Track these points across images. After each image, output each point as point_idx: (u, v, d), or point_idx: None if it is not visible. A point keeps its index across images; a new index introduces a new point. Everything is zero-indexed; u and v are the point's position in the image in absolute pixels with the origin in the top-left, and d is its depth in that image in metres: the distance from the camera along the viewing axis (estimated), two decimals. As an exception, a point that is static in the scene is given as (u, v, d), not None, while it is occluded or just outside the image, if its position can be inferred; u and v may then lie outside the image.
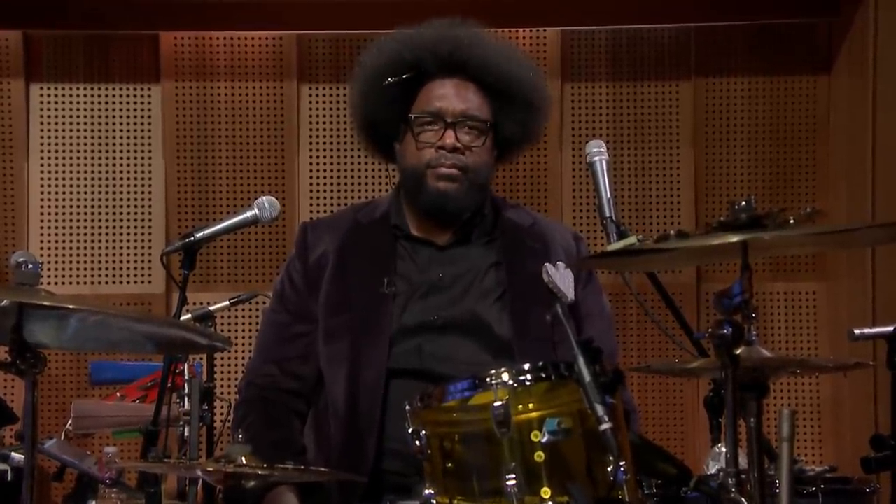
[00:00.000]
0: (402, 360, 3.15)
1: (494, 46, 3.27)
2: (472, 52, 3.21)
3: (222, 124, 5.80)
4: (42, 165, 5.75)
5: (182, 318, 3.46)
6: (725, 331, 2.41)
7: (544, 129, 3.40)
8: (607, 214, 3.00)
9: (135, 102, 5.79)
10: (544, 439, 2.49)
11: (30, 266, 2.55)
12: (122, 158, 5.76)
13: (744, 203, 2.41)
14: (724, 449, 2.58)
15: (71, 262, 5.74)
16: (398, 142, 3.27)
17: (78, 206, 5.75)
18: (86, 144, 5.77)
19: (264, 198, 3.39)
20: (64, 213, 5.75)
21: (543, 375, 2.55)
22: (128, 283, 5.73)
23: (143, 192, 5.76)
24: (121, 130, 5.77)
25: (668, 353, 5.46)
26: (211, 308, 4.17)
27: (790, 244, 2.71)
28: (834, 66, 5.79)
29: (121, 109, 5.78)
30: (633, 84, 5.86)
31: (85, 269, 5.74)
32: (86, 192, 5.75)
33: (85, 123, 5.77)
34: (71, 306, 2.53)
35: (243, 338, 5.64)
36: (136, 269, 5.74)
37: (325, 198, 5.79)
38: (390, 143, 3.29)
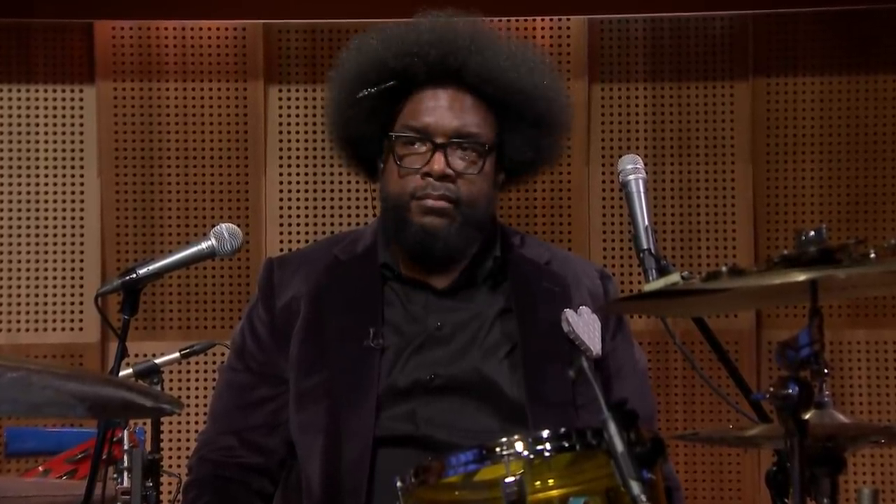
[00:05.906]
0: (393, 426, 3.15)
1: (499, 48, 3.22)
2: (470, 57, 3.19)
3: (172, 134, 5.82)
4: (-51, 185, 5.79)
5: (121, 373, 3.46)
6: (791, 390, 2.40)
7: (565, 146, 3.39)
8: (645, 246, 3.00)
9: (63, 107, 5.81)
10: (567, 524, 2.49)
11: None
12: (47, 176, 5.78)
13: (813, 233, 2.41)
14: (789, 537, 2.58)
15: (-16, 304, 5.76)
16: (381, 160, 3.27)
17: (-7, 236, 5.77)
18: (2, 159, 5.78)
19: (223, 225, 3.40)
20: (-25, 244, 5.77)
21: (566, 445, 2.55)
22: (54, 330, 5.74)
23: (73, 219, 5.78)
24: (46, 142, 5.79)
25: (720, 417, 5.46)
26: (157, 361, 4.18)
27: (871, 283, 2.71)
28: (927, 62, 5.84)
29: (46, 116, 5.80)
30: (676, 85, 5.88)
31: (0, 313, 5.75)
32: (2, 219, 5.76)
33: (1, 133, 5.79)
34: (-17, 360, 2.53)
35: (196, 398, 5.64)
36: (63, 313, 5.75)
37: (298, 226, 5.81)
38: (374, 160, 3.29)
